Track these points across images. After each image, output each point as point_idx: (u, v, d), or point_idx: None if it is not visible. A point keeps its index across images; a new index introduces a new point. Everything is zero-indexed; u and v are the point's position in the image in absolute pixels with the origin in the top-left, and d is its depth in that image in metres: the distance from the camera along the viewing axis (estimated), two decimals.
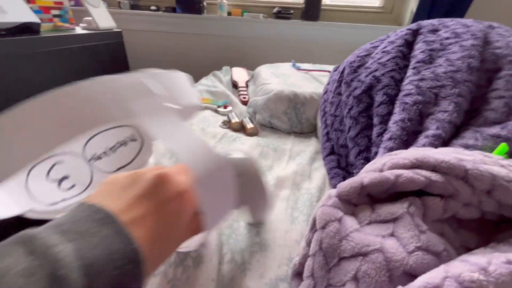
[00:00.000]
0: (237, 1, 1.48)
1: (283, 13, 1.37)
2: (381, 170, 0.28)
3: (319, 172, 0.52)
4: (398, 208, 0.24)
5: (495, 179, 0.24)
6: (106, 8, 1.14)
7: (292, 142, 0.65)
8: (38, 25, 0.82)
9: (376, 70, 0.49)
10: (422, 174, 0.25)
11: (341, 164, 0.50)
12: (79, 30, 1.05)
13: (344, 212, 0.26)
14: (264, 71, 0.96)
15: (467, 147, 0.34)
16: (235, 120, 0.73)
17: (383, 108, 0.44)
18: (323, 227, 0.25)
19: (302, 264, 0.28)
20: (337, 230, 0.24)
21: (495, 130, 0.35)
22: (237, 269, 0.31)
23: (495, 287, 0.18)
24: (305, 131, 0.73)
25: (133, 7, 1.43)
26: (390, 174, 0.26)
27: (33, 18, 0.81)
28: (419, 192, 0.26)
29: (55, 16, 0.97)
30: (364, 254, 0.22)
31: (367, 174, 0.28)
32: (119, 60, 1.19)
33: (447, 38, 0.48)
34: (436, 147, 0.35)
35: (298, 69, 1.01)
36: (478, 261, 0.20)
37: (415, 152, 0.29)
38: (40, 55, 0.83)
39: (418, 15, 1.20)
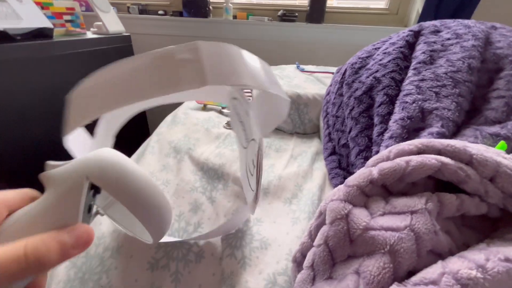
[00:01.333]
0: (243, 5, 1.50)
1: (288, 16, 1.38)
2: (388, 159, 0.28)
3: (320, 172, 0.52)
4: (416, 202, 0.23)
5: (499, 165, 0.25)
6: (115, 13, 1.18)
7: (294, 142, 0.66)
8: (51, 30, 0.85)
9: (376, 71, 0.50)
10: (432, 157, 0.25)
11: (342, 164, 0.51)
12: (90, 35, 1.08)
13: (354, 204, 0.25)
14: None
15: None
16: None
17: (383, 108, 0.44)
18: (331, 223, 0.24)
19: (303, 253, 0.28)
20: (346, 230, 0.22)
21: (494, 129, 0.35)
22: (237, 264, 0.32)
23: (491, 285, 0.18)
24: (308, 132, 0.74)
25: (141, 11, 1.47)
26: (400, 160, 0.26)
27: (46, 23, 0.84)
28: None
29: (67, 21, 1.01)
30: (371, 254, 0.21)
31: (377, 164, 0.27)
32: None
33: (448, 39, 0.48)
34: None
35: (302, 70, 1.02)
36: (476, 257, 0.20)
37: (419, 139, 0.29)
38: (53, 59, 0.87)
39: (424, 16, 1.19)
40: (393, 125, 0.41)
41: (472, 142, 0.35)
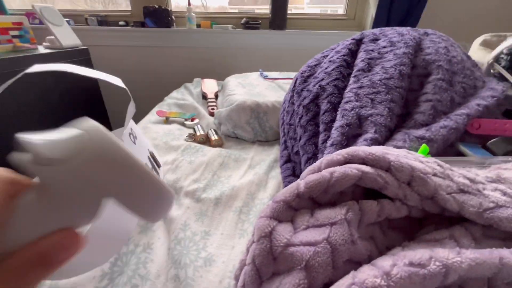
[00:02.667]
0: (206, 14, 1.50)
1: (251, 24, 1.40)
2: (319, 170, 0.29)
3: (276, 180, 0.53)
4: (337, 213, 0.24)
5: (413, 170, 0.26)
6: (69, 26, 1.13)
7: (255, 151, 0.66)
8: None
9: (322, 80, 0.52)
10: (353, 167, 0.27)
11: (296, 172, 0.52)
12: (41, 50, 1.03)
13: (280, 220, 0.26)
14: (232, 81, 0.98)
15: (396, 148, 0.37)
16: (200, 132, 0.73)
17: (327, 115, 0.46)
18: (257, 241, 0.25)
19: (241, 270, 0.28)
20: (269, 248, 0.23)
21: (421, 132, 0.38)
22: (180, 285, 0.31)
23: None
24: (270, 139, 0.75)
25: (101, 23, 1.43)
26: (325, 172, 0.27)
27: None
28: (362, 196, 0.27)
29: (14, 36, 0.95)
30: (290, 271, 0.22)
31: (306, 176, 0.29)
32: (87, 77, 1.18)
33: (384, 47, 0.52)
34: None
35: (266, 78, 1.04)
36: (384, 264, 0.21)
37: (348, 148, 0.30)
38: None
39: (378, 21, 1.26)
40: (334, 133, 0.42)
41: (401, 146, 0.37)
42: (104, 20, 1.45)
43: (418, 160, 0.29)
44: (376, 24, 1.27)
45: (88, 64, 1.18)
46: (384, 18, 1.25)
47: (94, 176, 0.14)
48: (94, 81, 1.22)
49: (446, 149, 0.37)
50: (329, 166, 0.30)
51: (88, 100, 1.21)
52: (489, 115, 0.41)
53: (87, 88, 1.19)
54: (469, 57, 0.54)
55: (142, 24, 1.40)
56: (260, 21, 1.41)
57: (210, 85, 1.13)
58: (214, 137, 0.71)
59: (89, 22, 1.42)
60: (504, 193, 0.27)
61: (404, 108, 0.44)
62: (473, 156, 0.32)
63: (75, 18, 1.45)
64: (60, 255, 0.14)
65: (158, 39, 1.41)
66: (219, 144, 0.71)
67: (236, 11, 1.63)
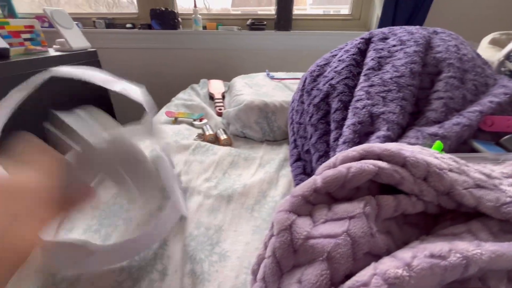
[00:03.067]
0: (212, 15, 1.51)
1: (256, 25, 1.41)
2: (334, 166, 0.30)
3: (286, 178, 0.53)
4: (355, 207, 0.25)
5: (429, 166, 0.27)
6: (79, 29, 1.15)
7: (264, 150, 0.67)
8: (6, 50, 0.82)
9: (332, 79, 0.52)
10: (370, 163, 0.27)
11: (306, 170, 0.53)
12: (52, 52, 1.05)
13: (299, 214, 0.26)
14: (239, 82, 0.99)
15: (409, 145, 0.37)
16: (209, 132, 0.74)
17: (338, 114, 0.46)
18: (277, 234, 0.26)
19: (259, 265, 0.29)
20: (290, 241, 0.24)
21: (433, 129, 0.38)
22: (197, 280, 0.32)
23: (416, 282, 0.19)
24: (278, 139, 0.75)
25: (108, 26, 1.45)
26: (342, 167, 0.28)
27: (1, 43, 0.81)
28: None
29: (26, 39, 0.97)
30: (312, 262, 0.22)
31: (322, 172, 0.29)
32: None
33: (394, 46, 0.52)
34: None
35: (272, 78, 1.04)
36: (404, 255, 0.22)
37: (362, 145, 0.31)
38: (11, 79, 0.83)
39: (383, 20, 1.26)
40: (346, 131, 0.43)
41: (414, 143, 0.37)
42: (111, 22, 1.47)
43: (433, 156, 0.30)
44: (382, 24, 1.27)
45: (97, 66, 1.20)
46: (390, 18, 1.25)
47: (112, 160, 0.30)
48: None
49: (459, 146, 0.38)
50: (344, 162, 0.30)
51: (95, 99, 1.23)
52: (502, 112, 0.41)
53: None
54: (479, 55, 0.54)
55: (149, 26, 1.42)
56: (265, 22, 1.42)
57: (216, 86, 1.14)
58: (223, 136, 0.72)
59: (97, 25, 1.45)
60: None
61: (416, 106, 0.44)
62: (487, 152, 0.32)
63: (83, 21, 1.48)
64: (83, 198, 0.28)
65: (164, 41, 1.43)
66: (228, 144, 0.71)
67: (239, 12, 1.64)
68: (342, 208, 0.25)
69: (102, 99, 1.25)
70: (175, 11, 1.40)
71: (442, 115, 0.40)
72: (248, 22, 1.41)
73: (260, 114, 0.73)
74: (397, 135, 0.39)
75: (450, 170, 0.28)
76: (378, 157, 0.29)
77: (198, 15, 1.39)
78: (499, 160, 0.32)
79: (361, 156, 0.30)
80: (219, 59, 1.44)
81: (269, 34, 1.41)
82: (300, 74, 1.10)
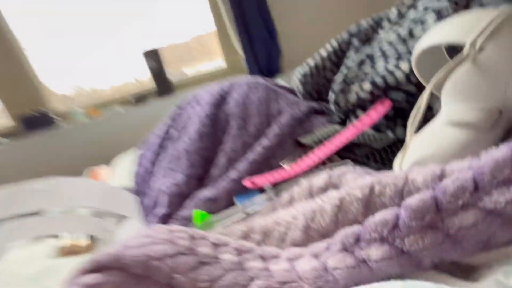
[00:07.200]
0: (85, 103, 1.48)
1: (140, 98, 1.43)
2: None
3: None
4: None
5: (148, 260, 0.24)
6: None
7: None
8: None
9: (145, 158, 0.52)
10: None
11: None
12: None
13: None
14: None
15: (184, 218, 0.36)
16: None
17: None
18: None
19: None
20: None
21: (206, 192, 0.38)
22: None
23: None
24: None
25: None
26: None
27: None
28: None
29: None
30: None
31: None
32: None
33: (193, 108, 0.55)
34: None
35: None
36: None
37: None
38: None
39: (250, 65, 1.41)
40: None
41: (188, 214, 0.37)
42: None
43: (166, 240, 0.28)
44: (250, 69, 1.42)
45: None
46: (251, 57, 1.40)
47: None
48: None
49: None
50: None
51: None
52: (279, 147, 0.45)
53: None
54: (274, 91, 0.59)
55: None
56: (147, 94, 1.44)
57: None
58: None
59: None
60: (239, 252, 0.27)
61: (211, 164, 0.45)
62: (239, 205, 0.33)
63: None
64: None
65: (42, 144, 1.33)
66: None
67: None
68: None
69: None
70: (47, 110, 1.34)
71: (224, 170, 0.42)
72: (130, 98, 1.42)
73: None
74: (179, 207, 0.39)
75: (178, 254, 0.27)
76: (104, 266, 0.26)
77: (75, 107, 1.35)
78: (250, 213, 0.33)
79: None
80: (119, 142, 1.38)
81: (154, 102, 1.43)
82: None
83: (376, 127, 0.41)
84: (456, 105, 0.24)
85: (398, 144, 0.36)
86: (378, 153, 0.35)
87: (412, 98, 0.39)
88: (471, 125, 0.22)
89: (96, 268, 0.27)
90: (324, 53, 0.53)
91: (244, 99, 0.54)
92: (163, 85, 1.43)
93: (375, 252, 0.19)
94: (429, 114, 0.41)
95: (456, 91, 0.24)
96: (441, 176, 0.20)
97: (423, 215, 0.18)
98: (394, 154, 0.35)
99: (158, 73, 1.42)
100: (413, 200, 0.18)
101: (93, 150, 1.39)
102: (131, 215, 0.36)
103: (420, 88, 0.39)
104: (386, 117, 0.40)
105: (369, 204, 0.22)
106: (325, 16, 1.51)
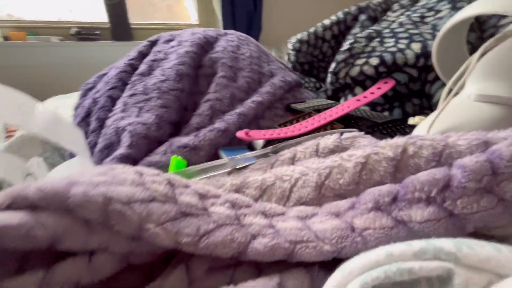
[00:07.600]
0: (19, 23, 1.17)
1: (86, 35, 1.18)
2: None
3: None
4: None
5: (109, 202, 0.17)
6: None
7: None
8: None
9: (98, 91, 0.41)
10: None
11: None
12: None
13: None
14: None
15: (152, 164, 0.29)
16: None
17: (93, 137, 0.35)
18: None
19: None
20: None
21: (186, 139, 0.31)
22: None
23: None
24: None
25: None
26: None
27: None
28: None
29: None
30: None
31: None
32: None
33: (172, 47, 0.45)
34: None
35: None
36: None
37: (13, 188, 0.20)
38: None
39: (225, 25, 1.30)
40: (95, 157, 0.31)
41: (158, 160, 0.30)
42: None
43: (135, 182, 0.21)
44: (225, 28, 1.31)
45: None
46: (229, 22, 1.29)
47: None
48: None
49: (216, 156, 0.33)
50: None
51: None
52: (269, 109, 0.40)
53: None
54: (266, 54, 0.54)
55: None
56: (98, 32, 1.20)
57: None
58: None
59: None
60: (233, 205, 0.22)
61: (186, 113, 0.38)
62: (225, 158, 0.27)
63: None
64: None
65: None
66: None
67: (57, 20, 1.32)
68: None
69: None
70: None
71: (206, 119, 0.35)
72: (72, 31, 1.16)
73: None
74: (147, 151, 0.31)
75: (152, 200, 0.20)
76: (33, 204, 0.18)
77: None
78: (236, 166, 0.27)
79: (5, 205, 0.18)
80: (34, 77, 1.12)
81: (105, 44, 1.20)
82: None
83: (373, 106, 0.40)
84: (490, 82, 0.23)
85: (398, 121, 0.35)
86: (381, 125, 0.33)
87: (412, 84, 0.39)
88: (506, 101, 0.22)
89: (21, 204, 0.19)
90: (327, 21, 0.49)
91: (235, 49, 0.47)
92: (121, 30, 1.21)
93: (419, 213, 0.16)
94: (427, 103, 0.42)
95: (495, 67, 0.23)
96: (487, 143, 0.18)
97: (482, 176, 0.16)
98: (398, 127, 0.34)
99: (118, 15, 1.19)
100: (468, 161, 0.16)
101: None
102: (75, 150, 0.27)
103: (421, 73, 0.38)
104: (385, 96, 0.39)
105: (400, 164, 0.20)
106: (315, 6, 1.49)
